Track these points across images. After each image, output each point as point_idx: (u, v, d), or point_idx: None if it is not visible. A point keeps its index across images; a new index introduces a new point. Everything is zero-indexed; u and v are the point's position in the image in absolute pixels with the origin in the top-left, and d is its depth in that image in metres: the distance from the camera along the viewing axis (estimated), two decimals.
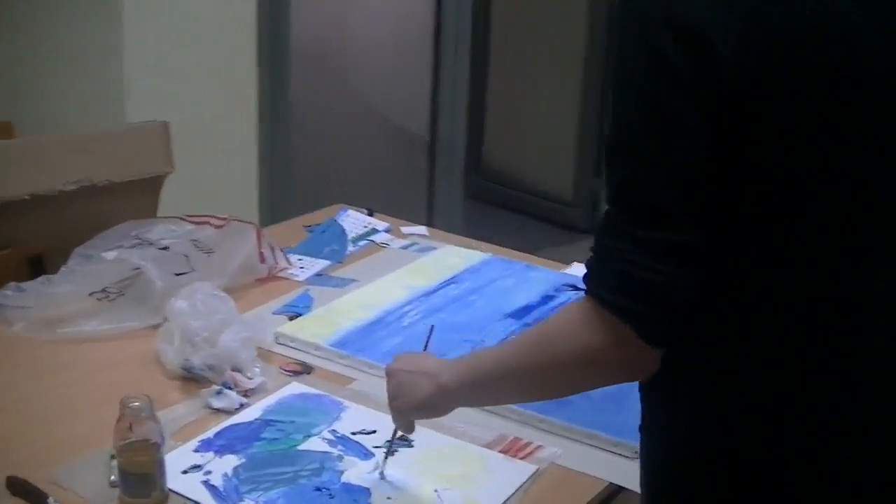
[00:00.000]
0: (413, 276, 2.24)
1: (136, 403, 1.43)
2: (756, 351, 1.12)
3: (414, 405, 1.42)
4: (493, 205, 5.45)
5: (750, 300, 1.11)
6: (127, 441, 1.43)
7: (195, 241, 2.15)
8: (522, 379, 1.26)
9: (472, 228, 4.80)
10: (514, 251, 2.48)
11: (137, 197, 2.34)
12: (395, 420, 1.48)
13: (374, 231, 2.53)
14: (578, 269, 2.33)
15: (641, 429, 1.27)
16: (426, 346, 1.59)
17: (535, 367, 1.22)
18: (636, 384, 1.23)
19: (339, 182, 4.22)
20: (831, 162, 1.07)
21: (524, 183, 5.46)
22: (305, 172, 4.00)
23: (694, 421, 1.17)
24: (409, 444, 1.62)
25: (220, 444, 1.60)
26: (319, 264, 2.33)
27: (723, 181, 1.06)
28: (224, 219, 2.25)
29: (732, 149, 1.05)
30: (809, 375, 1.11)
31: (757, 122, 1.05)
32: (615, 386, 1.28)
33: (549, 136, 5.36)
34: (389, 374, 1.46)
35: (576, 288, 2.19)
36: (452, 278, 2.23)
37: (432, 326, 1.63)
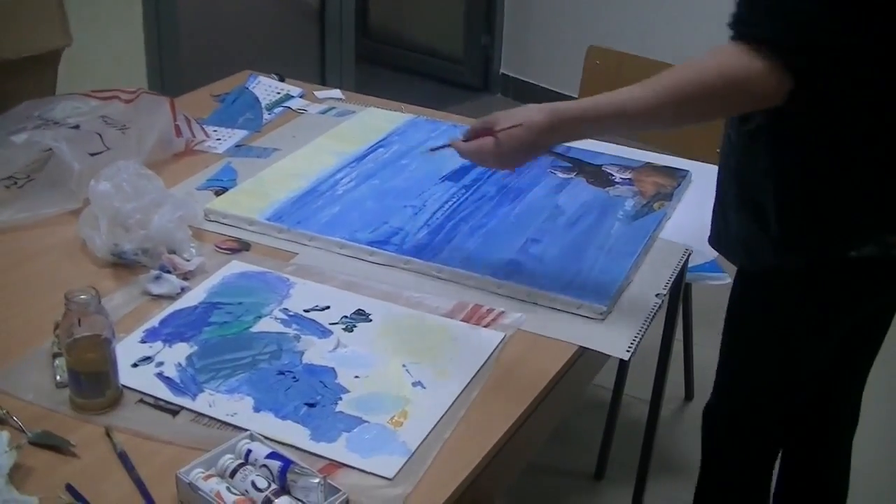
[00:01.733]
0: (339, 141, 2.14)
1: (83, 297, 1.32)
2: None
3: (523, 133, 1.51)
4: (383, 66, 5.31)
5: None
6: (75, 338, 1.33)
7: (105, 117, 2.01)
8: (666, 109, 1.43)
9: (365, 92, 4.69)
10: (435, 111, 2.39)
11: (33, 75, 2.17)
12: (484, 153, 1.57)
13: (289, 97, 2.41)
14: None
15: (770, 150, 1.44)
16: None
17: (683, 97, 1.40)
18: (584, 256, 1.63)
19: (229, 51, 4.02)
20: None
21: (413, 42, 5.33)
22: (194, 41, 3.79)
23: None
24: (366, 318, 1.55)
25: (168, 333, 1.51)
26: (237, 135, 2.21)
27: None
28: (133, 92, 2.11)
29: None
30: None
31: None
32: (570, 246, 1.71)
33: None
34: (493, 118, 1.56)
35: None
36: (380, 142, 2.14)
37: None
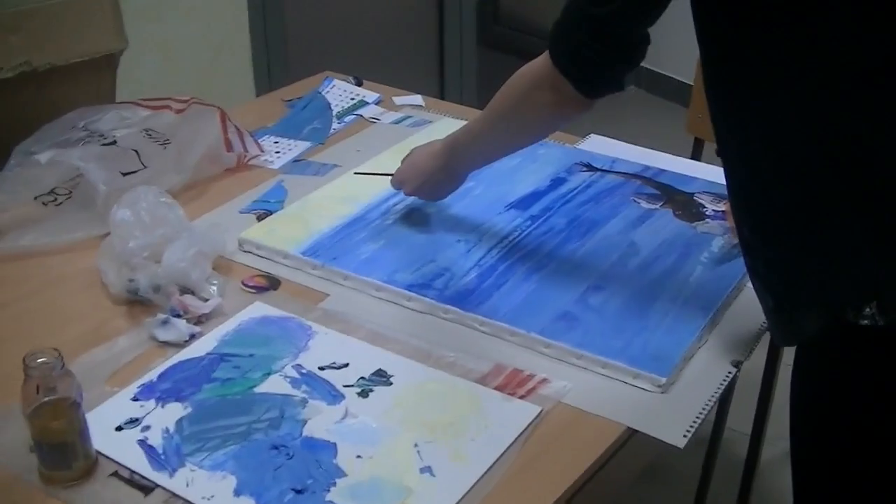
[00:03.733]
0: (401, 157, 1.93)
1: (44, 360, 1.16)
2: None
3: (425, 168, 1.67)
4: (511, 54, 5.07)
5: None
6: (37, 405, 1.17)
7: (149, 130, 1.87)
8: (501, 124, 1.53)
9: (489, 82, 4.47)
10: None
11: (88, 81, 2.04)
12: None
13: (363, 103, 2.22)
14: (594, 144, 2.02)
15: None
16: None
17: (500, 100, 1.52)
18: (652, 309, 1.48)
19: (334, 44, 3.86)
20: None
21: (546, 29, 5.08)
22: (300, 30, 3.65)
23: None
24: (386, 380, 1.36)
25: (164, 390, 1.35)
26: (298, 147, 2.03)
27: None
28: (185, 101, 1.96)
29: None
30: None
31: None
32: (637, 295, 1.51)
33: None
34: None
35: (591, 168, 1.89)
36: None
37: None
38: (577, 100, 1.39)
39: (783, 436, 1.36)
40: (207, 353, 1.42)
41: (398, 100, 2.24)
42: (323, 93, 2.24)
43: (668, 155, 1.99)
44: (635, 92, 4.71)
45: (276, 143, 2.04)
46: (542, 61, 1.41)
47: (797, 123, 1.16)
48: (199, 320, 1.48)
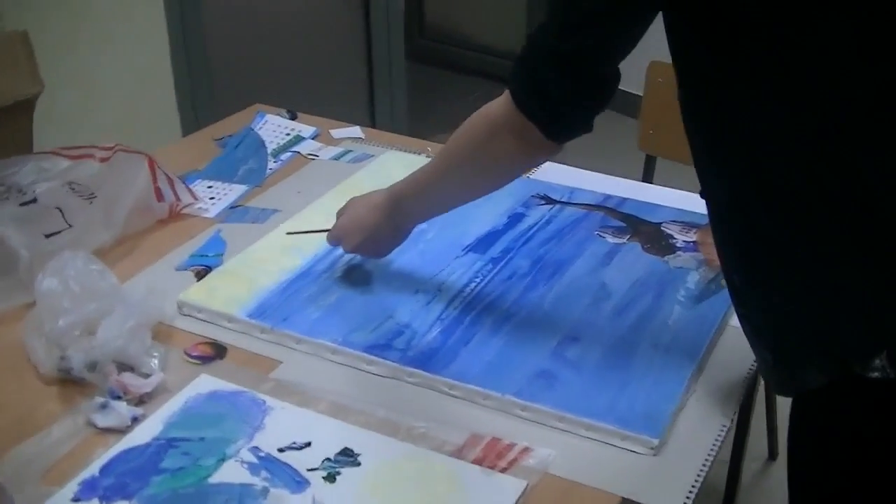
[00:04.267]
0: (345, 198, 1.80)
1: None
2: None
3: (366, 222, 1.51)
4: (440, 66, 4.97)
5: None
6: None
7: (72, 183, 1.72)
8: (456, 173, 1.38)
9: (417, 95, 4.37)
10: None
11: (2, 129, 1.88)
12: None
13: (299, 139, 2.09)
14: (549, 172, 1.92)
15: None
16: None
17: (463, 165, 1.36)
18: (633, 359, 1.37)
19: (265, 53, 3.72)
20: None
21: (471, 41, 4.98)
22: (222, 61, 3.50)
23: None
24: (353, 460, 1.23)
25: (108, 486, 1.21)
26: (234, 191, 1.90)
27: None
28: (109, 149, 1.81)
29: None
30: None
31: None
32: (616, 345, 1.41)
33: None
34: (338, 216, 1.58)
35: (549, 200, 1.79)
36: None
37: None
38: (542, 145, 1.25)
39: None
40: (153, 439, 1.28)
41: (336, 133, 2.12)
42: (256, 129, 2.10)
43: (627, 181, 1.89)
44: None
45: (209, 187, 1.90)
46: (502, 103, 1.26)
47: (790, 158, 1.07)
48: (142, 400, 1.35)
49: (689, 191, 1.83)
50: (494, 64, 4.86)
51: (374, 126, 4.16)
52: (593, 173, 1.92)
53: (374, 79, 4.11)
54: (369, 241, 1.51)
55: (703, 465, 1.23)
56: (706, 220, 1.68)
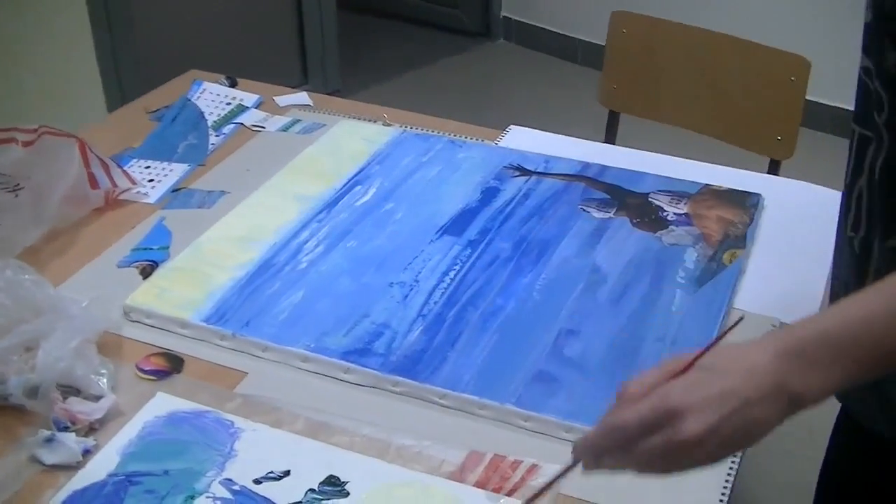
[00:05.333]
0: (302, 177, 1.66)
1: None
2: None
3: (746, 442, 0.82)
4: (371, 14, 4.77)
5: None
6: None
7: None
8: None
9: (350, 43, 4.18)
10: (430, 116, 1.89)
11: None
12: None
13: (241, 108, 1.91)
14: (517, 138, 1.77)
15: None
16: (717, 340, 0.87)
17: None
18: (639, 356, 1.19)
19: (183, 25, 3.51)
20: None
21: None
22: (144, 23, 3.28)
23: None
24: (340, 490, 1.09)
25: None
26: (175, 171, 1.72)
27: None
28: (34, 131, 1.61)
29: None
30: None
31: None
32: (618, 339, 1.25)
33: None
34: (678, 416, 0.80)
35: (523, 171, 1.64)
36: (356, 175, 1.65)
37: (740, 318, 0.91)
38: None
39: None
40: (109, 475, 1.12)
41: (281, 100, 1.94)
42: (193, 99, 1.92)
43: (603, 146, 1.76)
44: (546, 59, 4.40)
45: (147, 168, 1.73)
46: None
47: None
48: (92, 427, 1.19)
49: (654, 150, 1.71)
50: (428, 10, 4.68)
51: (306, 79, 4.00)
52: (562, 136, 1.78)
53: (305, 29, 3.91)
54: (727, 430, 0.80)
55: (731, 468, 1.11)
56: (695, 189, 1.58)
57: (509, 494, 1.08)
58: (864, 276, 1.04)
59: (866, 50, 0.98)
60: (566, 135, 1.79)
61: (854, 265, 1.06)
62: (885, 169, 0.98)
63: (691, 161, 1.70)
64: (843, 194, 1.08)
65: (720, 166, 1.69)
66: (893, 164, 0.97)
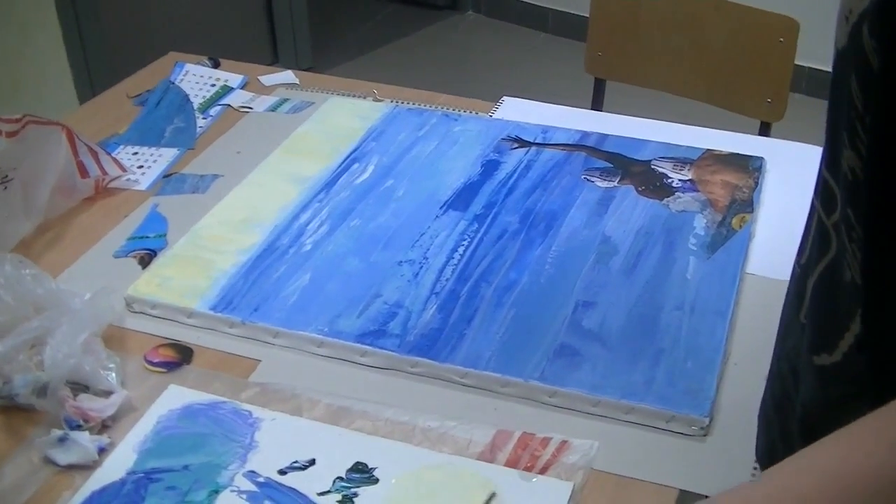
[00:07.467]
0: (298, 157, 1.62)
1: None
2: None
3: None
4: None
5: None
6: None
7: None
8: None
9: (318, 20, 4.13)
10: (420, 90, 1.86)
11: None
12: None
13: (227, 89, 1.87)
14: (511, 109, 1.74)
15: None
16: None
17: None
18: (659, 325, 1.19)
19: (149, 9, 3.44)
20: None
21: None
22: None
23: None
24: (369, 477, 1.07)
25: None
26: (164, 156, 1.68)
27: None
28: (17, 121, 1.56)
29: None
30: None
31: None
32: (636, 309, 1.25)
33: None
34: None
35: (522, 142, 1.62)
36: (353, 153, 1.62)
37: None
38: None
39: None
40: (129, 473, 1.09)
41: (267, 79, 1.90)
42: (177, 82, 1.88)
43: (599, 113, 1.73)
44: (532, 34, 4.34)
45: (135, 154, 1.69)
46: None
47: None
48: (105, 425, 1.15)
49: (644, 117, 1.69)
50: None
51: (276, 57, 3.94)
52: (557, 106, 1.76)
53: (274, 6, 3.86)
54: None
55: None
56: (697, 154, 1.56)
57: (542, 472, 1.06)
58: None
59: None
60: (553, 104, 1.76)
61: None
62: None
63: (687, 126, 1.68)
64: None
65: (716, 130, 1.67)
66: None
